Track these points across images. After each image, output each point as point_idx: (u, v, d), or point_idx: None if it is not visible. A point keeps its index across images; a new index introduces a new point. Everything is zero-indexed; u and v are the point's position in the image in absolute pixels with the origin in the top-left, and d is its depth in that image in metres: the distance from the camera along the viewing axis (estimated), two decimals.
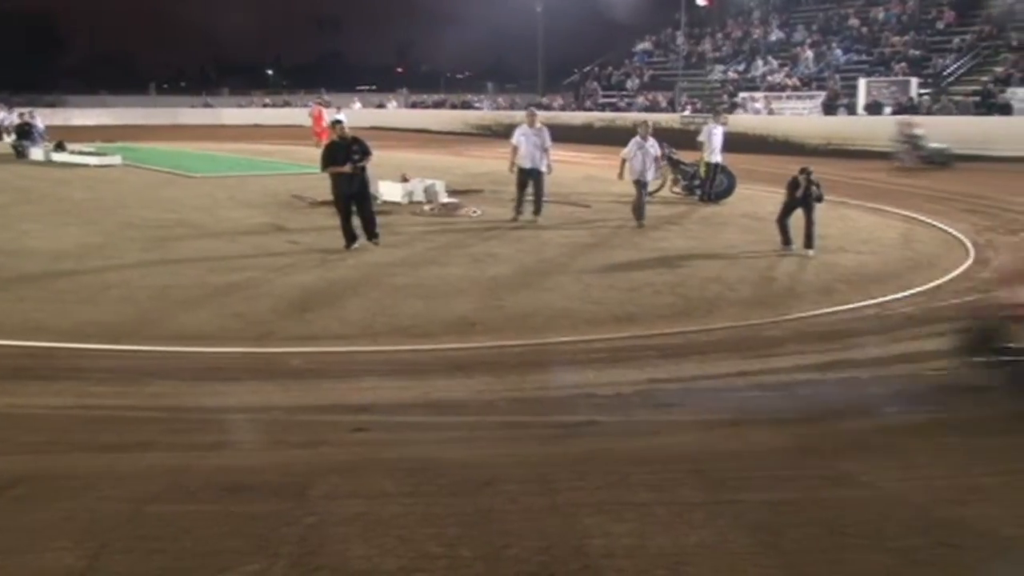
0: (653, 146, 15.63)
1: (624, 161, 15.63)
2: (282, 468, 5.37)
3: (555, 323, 9.24)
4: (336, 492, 4.99)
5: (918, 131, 26.27)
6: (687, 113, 35.57)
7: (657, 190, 18.60)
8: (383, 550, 4.29)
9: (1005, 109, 28.29)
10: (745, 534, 4.52)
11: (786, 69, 38.71)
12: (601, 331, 8.92)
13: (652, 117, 25.52)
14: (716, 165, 19.06)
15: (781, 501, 4.92)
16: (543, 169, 16.05)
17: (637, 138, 15.62)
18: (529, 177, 16.03)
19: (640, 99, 42.35)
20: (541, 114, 19.12)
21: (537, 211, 16.05)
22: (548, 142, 16.08)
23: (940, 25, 35.33)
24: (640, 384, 7.21)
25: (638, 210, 15.56)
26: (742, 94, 38.00)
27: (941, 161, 24.90)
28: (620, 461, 5.51)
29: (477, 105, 54.80)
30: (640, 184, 15.59)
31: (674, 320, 9.42)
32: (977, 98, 29.67)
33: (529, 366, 7.88)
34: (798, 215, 12.97)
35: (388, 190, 17.77)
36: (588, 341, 8.61)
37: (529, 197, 16.09)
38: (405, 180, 18.56)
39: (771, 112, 35.34)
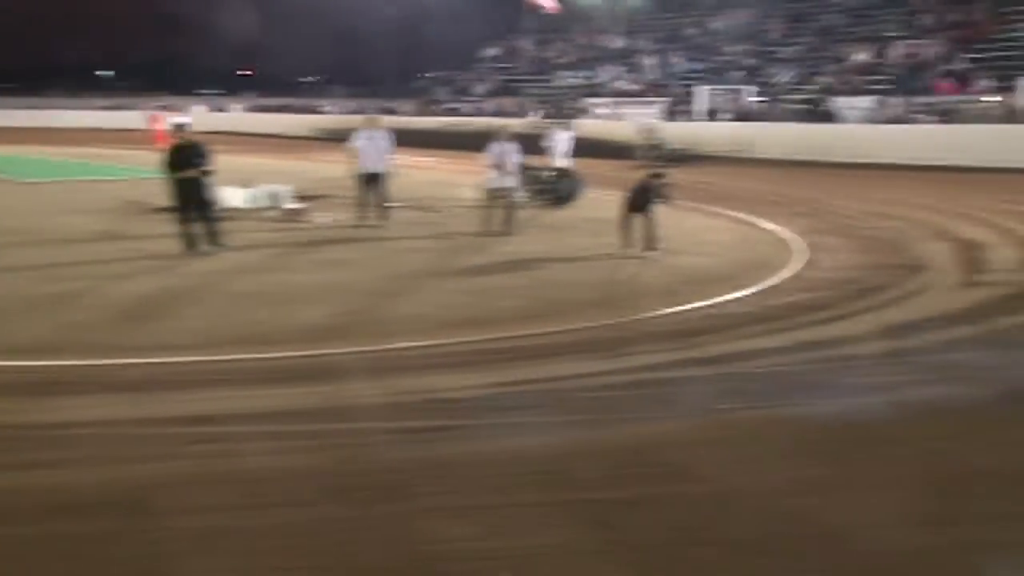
0: (513, 151, 15.59)
1: (489, 166, 15.50)
2: (118, 484, 5.16)
3: (405, 328, 9.17)
4: (176, 507, 4.83)
5: (657, 135, 29.02)
6: (535, 118, 36.01)
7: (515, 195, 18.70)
8: (226, 565, 4.17)
9: (830, 117, 29.75)
10: (592, 533, 4.59)
11: (630, 76, 39.64)
12: (452, 335, 8.90)
13: (501, 122, 25.81)
14: (563, 170, 19.34)
15: (628, 499, 5.02)
16: (385, 172, 15.96)
17: (496, 143, 15.52)
18: (371, 181, 15.92)
19: (488, 104, 42.62)
20: (389, 119, 19.01)
21: (383, 215, 15.94)
22: (389, 145, 16.01)
23: (773, 36, 36.83)
24: (491, 387, 7.23)
25: (500, 218, 15.40)
26: (587, 100, 38.69)
27: (676, 160, 26.90)
28: (470, 465, 5.51)
29: (325, 109, 54.13)
30: (497, 191, 15.46)
31: (525, 323, 9.48)
32: (806, 106, 31.08)
33: (379, 372, 7.79)
34: (641, 218, 13.26)
35: (231, 196, 17.34)
36: (439, 345, 8.58)
37: (374, 201, 15.97)
38: (248, 186, 18.16)
39: (615, 118, 36.11)
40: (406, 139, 18.21)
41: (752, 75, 34.66)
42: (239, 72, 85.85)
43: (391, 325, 9.32)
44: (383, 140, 15.96)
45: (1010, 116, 25.92)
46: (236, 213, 16.42)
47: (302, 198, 18.32)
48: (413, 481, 5.22)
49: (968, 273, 11.78)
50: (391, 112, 38.38)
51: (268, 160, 30.60)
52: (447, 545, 4.43)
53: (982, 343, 8.72)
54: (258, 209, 17.32)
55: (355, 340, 8.71)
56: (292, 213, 17.01)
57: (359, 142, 15.91)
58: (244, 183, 18.13)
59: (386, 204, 16.05)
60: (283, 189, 18.29)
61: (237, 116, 56.63)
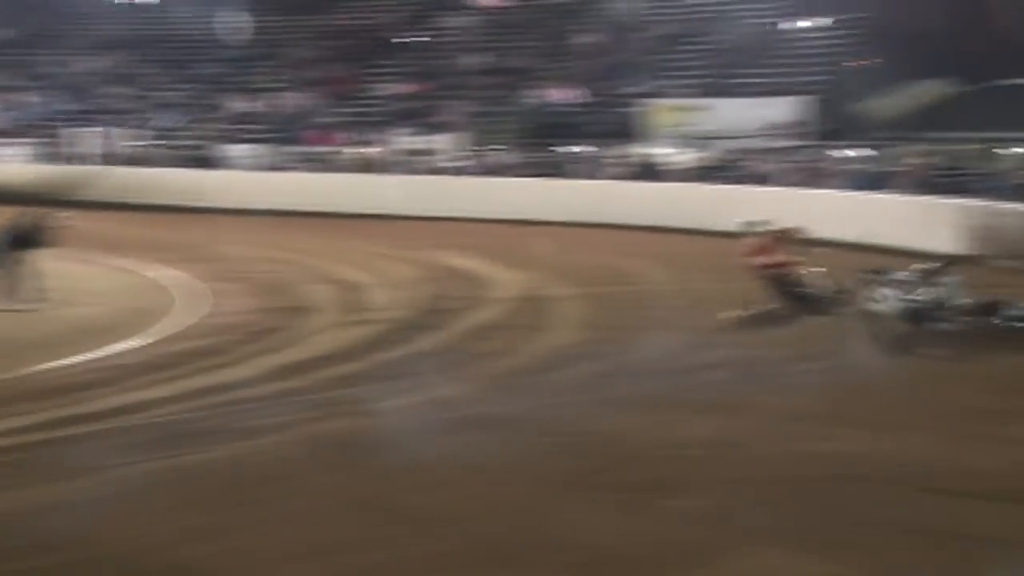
0: None
1: None
2: None
3: None
4: None
5: None
6: None
7: None
8: None
9: (214, 163, 30.01)
10: None
11: None
12: None
13: None
14: None
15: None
16: None
17: None
18: None
19: None
20: None
21: None
22: None
23: (152, 81, 36.11)
24: None
25: None
26: None
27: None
28: None
29: None
30: None
31: None
32: (190, 152, 30.99)
33: None
34: (16, 264, 12.30)
35: None
36: None
37: None
38: None
39: None
40: None
41: (131, 119, 33.74)
42: None
43: None
44: None
45: (373, 166, 28.15)
46: None
47: None
48: None
49: (351, 313, 12.57)
50: None
51: None
52: None
53: (364, 378, 9.35)
54: None
55: None
56: None
57: None
58: None
59: None
60: None
61: None
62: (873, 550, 5.23)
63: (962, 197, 17.04)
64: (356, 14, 36.26)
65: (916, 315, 10.78)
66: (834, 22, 29.09)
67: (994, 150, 18.34)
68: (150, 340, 10.83)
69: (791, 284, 12.39)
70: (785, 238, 13.00)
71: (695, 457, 6.85)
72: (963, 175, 18.32)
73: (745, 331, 11.30)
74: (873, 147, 24.00)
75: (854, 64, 30.31)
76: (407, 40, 34.32)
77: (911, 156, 19.59)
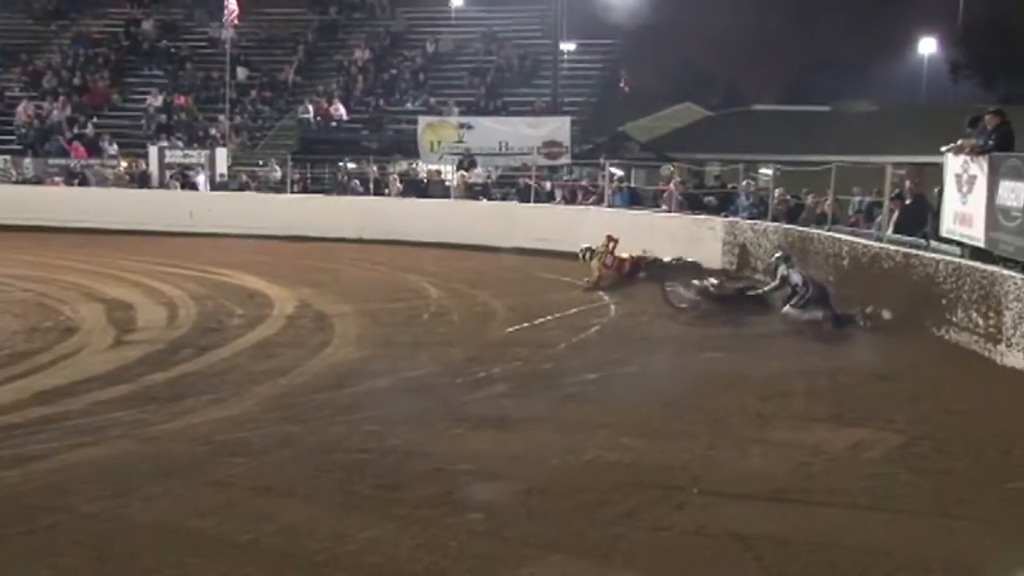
0: None
1: None
2: None
3: None
4: None
5: None
6: None
7: None
8: None
9: None
10: None
11: None
12: None
13: None
14: None
15: None
16: None
17: None
18: None
19: None
20: None
21: None
22: None
23: None
24: None
25: None
26: None
27: None
28: None
29: None
30: None
31: None
32: None
33: None
34: None
35: None
36: None
37: None
38: None
39: None
40: None
41: None
42: None
43: None
44: None
45: (137, 180, 26.75)
46: None
47: None
48: None
49: (121, 333, 11.95)
50: None
51: None
52: None
53: (137, 401, 8.91)
54: None
55: None
56: None
57: None
58: None
59: None
60: None
61: None
62: (663, 553, 5.44)
63: (725, 215, 18.14)
64: (109, 21, 34.60)
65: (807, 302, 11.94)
66: (599, 45, 30.35)
67: (761, 170, 19.58)
68: None
69: (659, 265, 15.54)
70: (612, 244, 15.79)
71: (482, 471, 6.91)
72: (725, 193, 19.49)
73: (531, 344, 11.52)
74: (637, 166, 25.22)
75: (617, 86, 31.75)
76: (169, 50, 33.04)
77: (675, 174, 20.59)
